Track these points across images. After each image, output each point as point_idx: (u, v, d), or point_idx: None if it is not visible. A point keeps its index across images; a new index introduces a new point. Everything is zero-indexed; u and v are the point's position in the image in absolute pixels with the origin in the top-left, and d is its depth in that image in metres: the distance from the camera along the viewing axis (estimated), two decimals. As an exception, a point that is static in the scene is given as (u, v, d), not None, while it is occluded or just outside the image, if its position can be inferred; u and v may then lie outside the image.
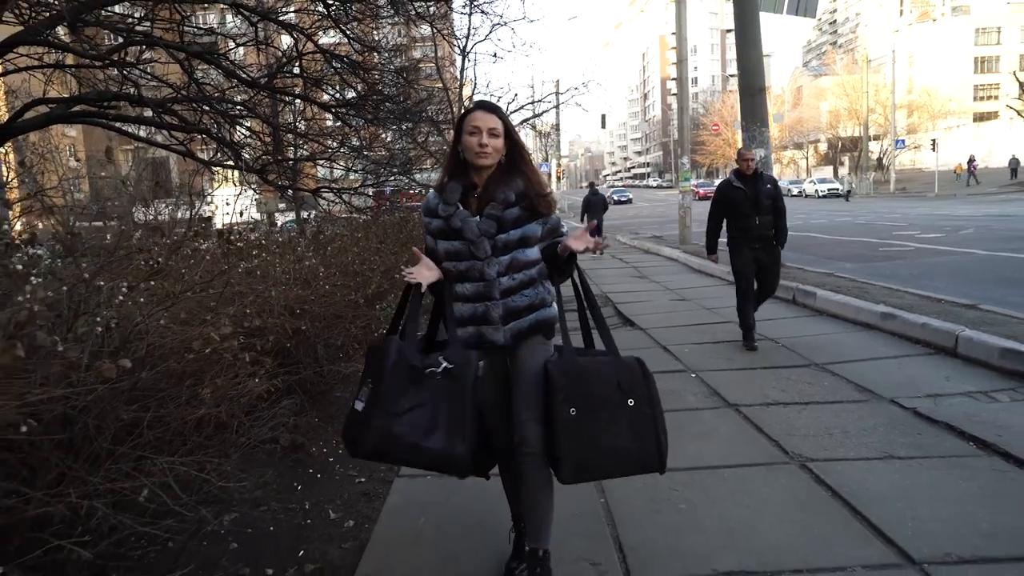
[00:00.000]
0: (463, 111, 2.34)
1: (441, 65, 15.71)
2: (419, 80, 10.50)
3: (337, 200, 9.91)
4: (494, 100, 17.79)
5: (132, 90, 6.44)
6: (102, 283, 2.01)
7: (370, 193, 12.55)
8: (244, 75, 6.99)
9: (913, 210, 26.27)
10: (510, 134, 2.29)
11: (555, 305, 2.37)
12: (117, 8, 7.29)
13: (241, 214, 5.61)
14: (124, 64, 6.71)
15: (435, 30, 9.67)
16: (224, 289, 2.36)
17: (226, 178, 9.75)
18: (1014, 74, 42.32)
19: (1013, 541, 2.61)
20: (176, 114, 7.40)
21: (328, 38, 9.70)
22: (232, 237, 3.32)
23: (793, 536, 2.73)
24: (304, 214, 12.32)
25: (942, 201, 31.92)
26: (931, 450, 3.55)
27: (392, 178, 10.56)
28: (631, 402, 2.12)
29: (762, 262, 6.05)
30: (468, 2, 9.59)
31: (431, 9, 8.23)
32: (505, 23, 10.76)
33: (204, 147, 8.61)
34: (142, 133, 7.93)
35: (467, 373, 2.09)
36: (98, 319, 1.87)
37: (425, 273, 2.22)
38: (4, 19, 6.11)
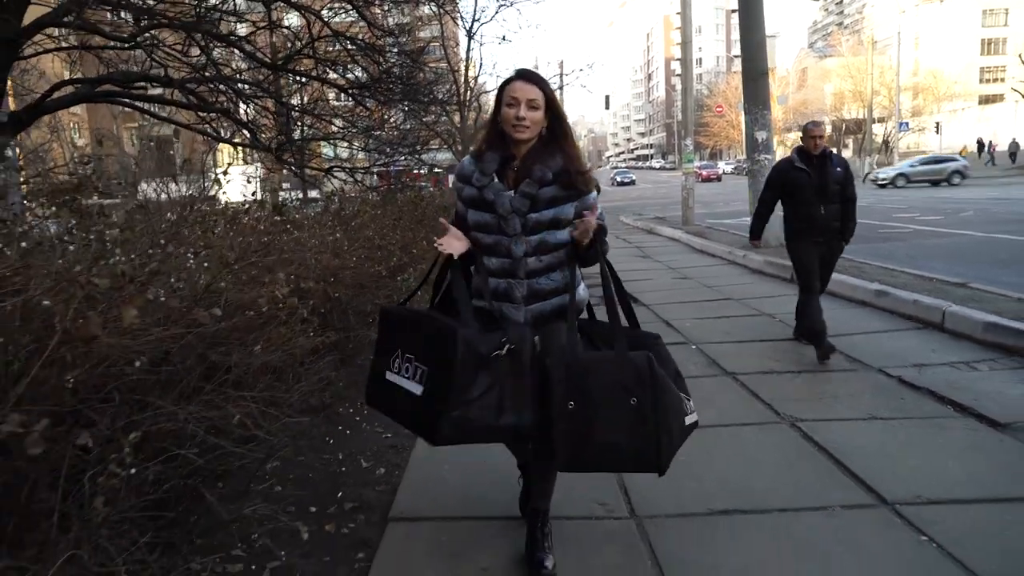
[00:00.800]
0: (502, 83, 2.23)
1: (447, 45, 15.89)
2: (427, 62, 10.71)
3: (349, 179, 10.18)
4: (498, 81, 17.99)
5: (157, 71, 6.70)
6: (171, 249, 2.31)
7: (375, 172, 12.81)
8: (263, 57, 7.23)
9: (915, 193, 26.46)
10: (551, 106, 2.20)
11: (583, 290, 2.34)
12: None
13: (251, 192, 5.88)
14: (149, 45, 6.96)
15: (442, 11, 9.86)
16: (279, 256, 2.65)
17: (236, 157, 10.01)
18: (1020, 56, 42.21)
19: (979, 486, 2.92)
20: (195, 94, 7.67)
21: (338, 19, 9.89)
22: (280, 211, 3.62)
23: (781, 482, 3.04)
24: (312, 193, 12.57)
25: (951, 187, 32.07)
26: (912, 412, 3.86)
27: (403, 158, 10.82)
28: (633, 401, 2.06)
29: (823, 258, 5.17)
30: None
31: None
32: (512, 3, 10.93)
33: (220, 126, 8.87)
34: (163, 112, 8.18)
35: (527, 351, 2.08)
36: (172, 279, 2.16)
37: (455, 244, 2.20)
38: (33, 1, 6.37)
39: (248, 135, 8.56)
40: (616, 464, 2.22)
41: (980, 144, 40.42)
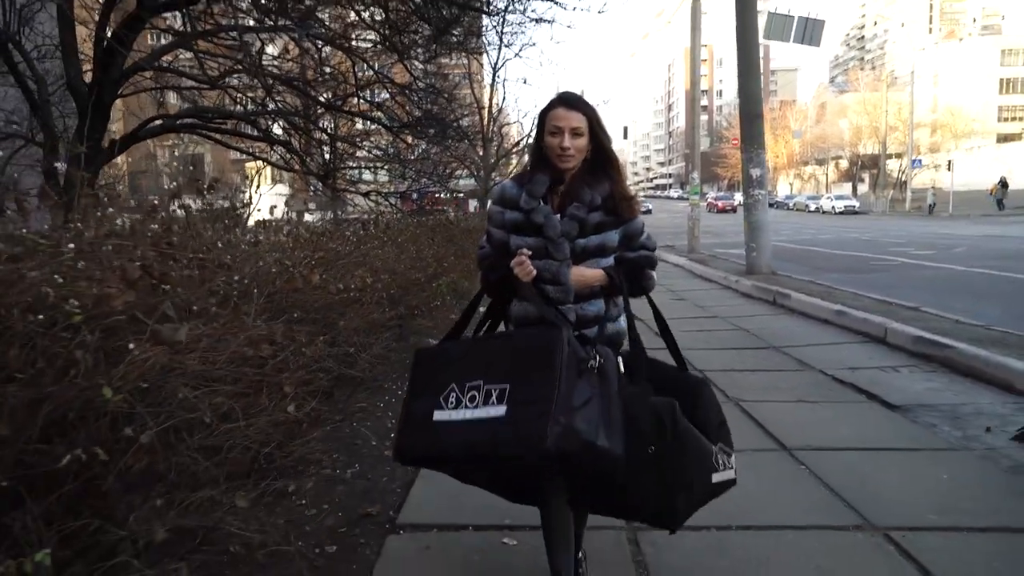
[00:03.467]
0: (543, 108, 2.17)
1: (473, 80, 17.23)
2: (457, 100, 12.02)
3: (383, 202, 11.44)
4: (523, 116, 19.28)
5: (233, 108, 8.00)
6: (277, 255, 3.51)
7: (400, 194, 14.11)
8: (322, 99, 8.52)
9: (919, 228, 27.39)
10: (595, 129, 2.14)
11: (622, 320, 2.24)
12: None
13: (272, 210, 7.07)
14: (224, 86, 8.28)
15: (470, 56, 11.14)
16: (363, 257, 3.82)
17: (264, 178, 11.29)
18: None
19: (858, 441, 4.01)
20: (256, 126, 8.98)
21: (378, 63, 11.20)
22: (372, 226, 4.83)
23: (715, 436, 4.14)
24: (337, 212, 13.87)
25: (954, 221, 32.93)
26: (831, 398, 4.96)
27: (432, 184, 12.10)
28: (651, 450, 1.89)
29: None
30: (499, 36, 11.03)
31: (469, 43, 9.72)
32: (535, 44, 12.24)
33: (276, 152, 10.19)
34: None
35: (612, 370, 1.92)
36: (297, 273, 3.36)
37: (529, 264, 2.07)
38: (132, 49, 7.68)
39: (299, 162, 9.85)
40: (631, 513, 2.14)
41: (1003, 183, 41.15)
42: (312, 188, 15.00)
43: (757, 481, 3.34)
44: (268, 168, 11.05)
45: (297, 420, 2.25)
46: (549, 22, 7.19)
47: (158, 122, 8.30)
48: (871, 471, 3.58)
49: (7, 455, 1.11)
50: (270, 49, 9.47)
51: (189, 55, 9.17)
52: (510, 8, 6.52)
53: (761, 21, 14.69)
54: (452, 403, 1.90)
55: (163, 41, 8.35)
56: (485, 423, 1.81)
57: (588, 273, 2.15)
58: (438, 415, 1.91)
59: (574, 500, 2.11)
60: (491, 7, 6.73)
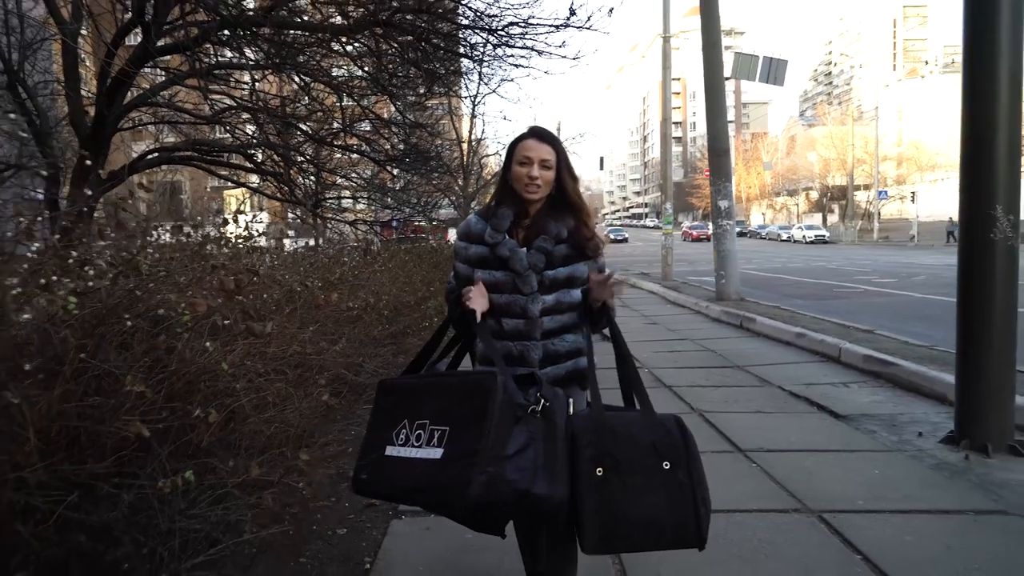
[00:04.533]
0: (514, 140, 2.20)
1: (454, 114, 17.83)
2: (439, 134, 12.57)
3: (367, 230, 11.89)
4: (501, 148, 19.89)
5: (227, 141, 8.44)
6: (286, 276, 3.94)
7: (383, 223, 14.62)
8: (312, 133, 8.99)
9: (884, 258, 28.40)
10: (562, 165, 2.15)
11: (591, 355, 2.18)
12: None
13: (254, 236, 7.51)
14: (219, 122, 8.73)
15: (451, 94, 11.72)
16: (364, 281, 4.26)
17: (243, 205, 11.73)
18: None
19: (804, 443, 4.50)
20: (249, 157, 9.41)
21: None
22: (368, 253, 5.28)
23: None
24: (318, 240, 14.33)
25: (919, 250, 34.12)
26: (786, 409, 5.46)
27: (415, 214, 12.61)
28: (666, 465, 1.87)
29: None
30: (478, 74, 11.56)
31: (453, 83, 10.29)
32: (512, 79, 12.81)
33: (262, 183, 10.62)
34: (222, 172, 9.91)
35: (560, 411, 1.89)
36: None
37: (480, 300, 2.08)
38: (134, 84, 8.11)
39: (289, 192, 10.28)
40: (653, 542, 1.90)
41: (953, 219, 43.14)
42: (294, 216, 15.46)
43: (713, 476, 3.78)
44: (249, 196, 11.50)
45: (329, 406, 2.66)
46: (528, 67, 7.70)
47: (155, 154, 8.70)
48: (813, 468, 4.07)
49: (152, 411, 1.52)
50: (261, 85, 9.94)
51: (184, 90, 9.65)
52: (489, 56, 7.01)
53: (730, 59, 15.57)
54: (402, 439, 1.89)
55: (161, 78, 8.78)
56: (423, 464, 1.81)
57: (614, 279, 2.13)
58: (389, 450, 1.90)
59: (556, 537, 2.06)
60: (474, 54, 7.24)
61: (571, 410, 1.94)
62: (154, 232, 3.14)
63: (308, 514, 3.03)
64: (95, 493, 1.44)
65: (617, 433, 1.89)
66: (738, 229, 62.56)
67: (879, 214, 51.37)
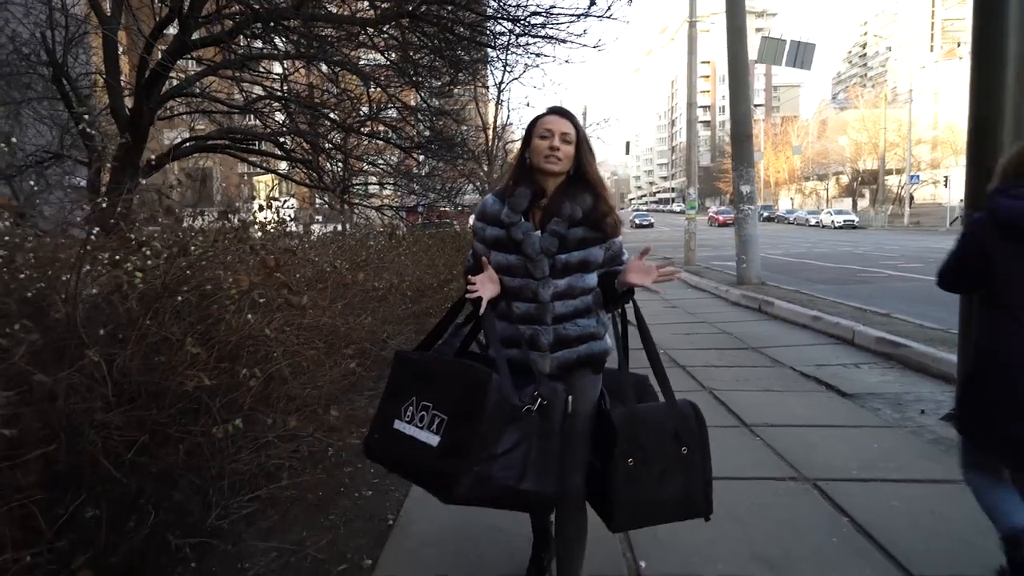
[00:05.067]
0: (533, 118, 2.20)
1: (479, 100, 18.01)
2: (464, 120, 12.80)
3: (393, 215, 12.19)
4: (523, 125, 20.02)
5: (260, 129, 8.76)
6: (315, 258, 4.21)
7: (409, 209, 14.91)
8: (337, 120, 9.27)
9: (913, 243, 28.04)
10: (581, 143, 2.16)
11: (608, 338, 2.24)
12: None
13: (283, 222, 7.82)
14: (252, 111, 9.05)
15: (476, 83, 11.92)
16: (389, 263, 4.52)
17: (271, 192, 12.10)
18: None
19: (809, 419, 4.69)
20: (281, 147, 9.74)
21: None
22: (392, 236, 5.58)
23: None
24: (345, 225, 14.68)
25: (951, 235, 33.56)
26: (795, 388, 5.64)
27: (440, 199, 12.89)
28: (684, 450, 2.04)
29: None
30: (503, 63, 11.74)
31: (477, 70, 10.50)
32: (538, 65, 12.93)
33: (292, 169, 10.95)
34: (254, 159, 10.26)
35: (558, 408, 1.96)
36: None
37: (489, 286, 2.09)
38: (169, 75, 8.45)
39: (318, 178, 10.60)
40: (667, 517, 2.10)
41: None
42: (322, 202, 15.81)
43: (717, 448, 4.01)
44: (278, 182, 11.85)
45: (356, 374, 2.93)
46: (550, 56, 7.90)
47: (191, 142, 9.05)
48: (814, 441, 4.27)
49: (204, 370, 1.79)
50: (293, 76, 10.23)
51: (216, 80, 9.99)
52: (512, 45, 7.21)
53: (761, 42, 15.53)
54: (408, 416, 1.96)
55: (195, 69, 9.12)
56: (422, 449, 1.89)
57: (668, 270, 2.17)
58: (397, 424, 1.98)
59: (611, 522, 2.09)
60: (498, 43, 7.44)
61: (570, 408, 2.02)
62: (200, 217, 3.43)
63: (337, 467, 3.32)
64: (160, 438, 1.71)
65: (647, 425, 2.04)
66: (766, 214, 62.16)
67: (911, 199, 50.55)
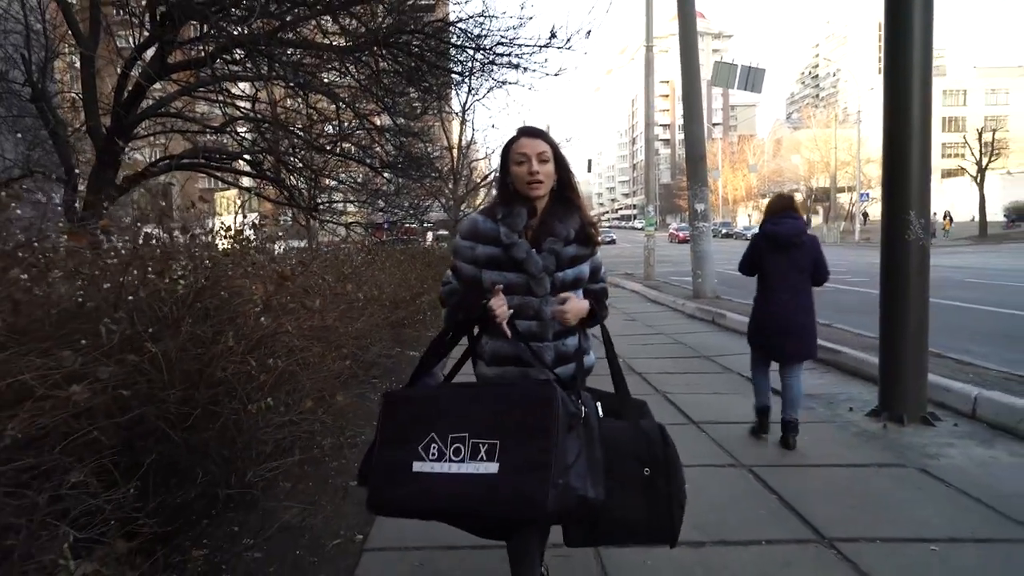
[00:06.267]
0: (507, 142, 2.20)
1: (445, 119, 18.47)
2: (430, 140, 13.24)
3: (361, 232, 12.54)
4: (490, 152, 20.52)
5: (232, 148, 9.08)
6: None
7: (377, 225, 15.30)
8: (308, 139, 9.63)
9: (863, 259, 29.20)
10: (558, 158, 2.17)
11: (592, 357, 2.28)
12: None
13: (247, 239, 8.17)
14: (226, 131, 9.36)
15: (441, 106, 12.39)
16: (369, 277, 4.92)
17: (234, 208, 12.40)
18: (978, 132, 45.73)
19: (749, 416, 5.16)
20: (251, 163, 10.05)
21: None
22: (370, 252, 5.95)
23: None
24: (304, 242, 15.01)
25: (896, 251, 35.04)
26: (740, 391, 6.14)
27: (406, 217, 13.31)
28: (647, 472, 1.98)
29: None
30: (467, 86, 12.22)
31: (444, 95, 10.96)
32: (503, 83, 13.37)
33: (263, 187, 11.25)
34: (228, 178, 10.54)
35: (594, 415, 1.97)
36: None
37: (504, 310, 2.05)
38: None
39: (288, 196, 10.91)
40: (628, 538, 2.06)
41: (947, 216, 45.41)
42: (286, 218, 16.07)
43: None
44: (248, 198, 12.18)
45: (351, 372, 3.30)
46: (513, 82, 8.44)
47: (165, 161, 9.32)
48: (752, 436, 4.77)
49: (234, 360, 2.16)
50: (261, 93, 10.56)
51: (186, 99, 10.27)
52: (478, 72, 7.70)
53: (717, 65, 16.31)
54: (434, 455, 1.84)
55: (170, 89, 9.40)
56: (477, 479, 1.77)
57: (582, 304, 2.16)
58: (418, 466, 1.84)
59: (568, 536, 2.06)
60: (464, 74, 7.92)
61: (600, 414, 2.01)
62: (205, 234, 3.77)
63: (335, 452, 3.68)
64: (201, 415, 2.07)
65: (606, 442, 1.96)
66: (724, 231, 63.58)
67: (864, 216, 52.40)
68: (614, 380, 2.16)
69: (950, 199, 56.85)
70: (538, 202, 2.17)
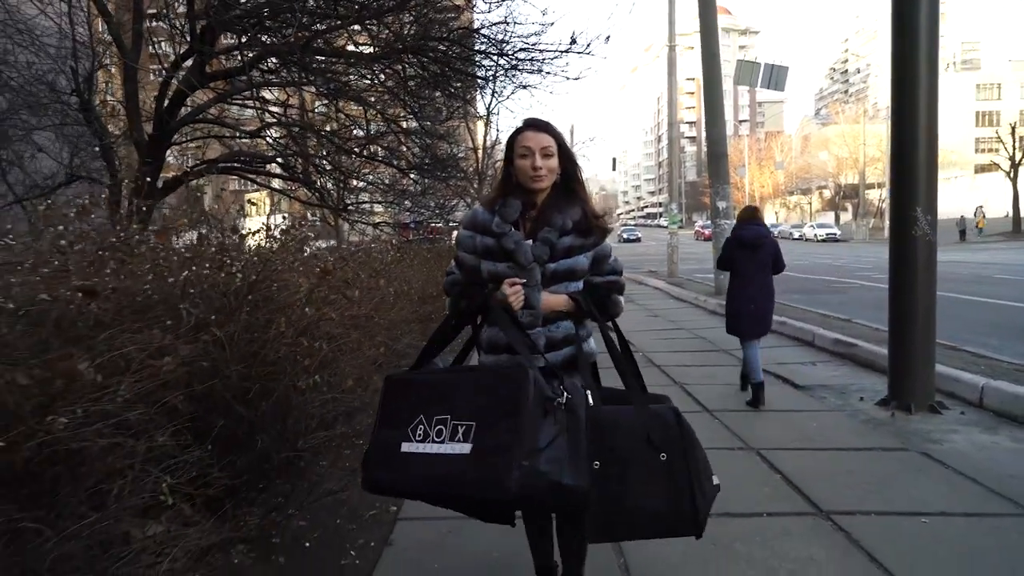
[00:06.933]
0: (511, 134, 2.23)
1: (469, 121, 18.81)
2: (456, 142, 13.57)
3: (389, 231, 12.91)
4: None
5: (267, 152, 9.49)
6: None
7: (404, 225, 15.67)
8: (338, 144, 10.00)
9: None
10: (563, 151, 2.19)
11: (592, 341, 2.28)
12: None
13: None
14: (261, 136, 9.77)
15: (467, 108, 12.70)
16: (399, 273, 5.22)
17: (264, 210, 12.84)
18: (1011, 127, 44.99)
19: (748, 401, 5.40)
20: (284, 166, 10.45)
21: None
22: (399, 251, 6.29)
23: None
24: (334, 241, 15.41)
25: (926, 248, 34.66)
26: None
27: (432, 216, 13.67)
28: (663, 456, 1.92)
29: None
30: (491, 90, 12.54)
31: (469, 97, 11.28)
32: (525, 86, 13.62)
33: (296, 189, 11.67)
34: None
35: (580, 403, 1.92)
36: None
37: (521, 297, 2.11)
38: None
39: (319, 197, 11.32)
40: (651, 530, 2.03)
41: (980, 212, 44.76)
42: (314, 218, 16.51)
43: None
44: (268, 200, 12.62)
45: (385, 358, 3.60)
46: (535, 86, 8.75)
47: (203, 165, 9.75)
48: (763, 422, 5.01)
49: (286, 343, 2.48)
50: (295, 99, 10.97)
51: (222, 105, 10.71)
52: (501, 77, 8.01)
53: (747, 62, 16.43)
54: (420, 435, 1.88)
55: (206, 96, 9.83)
56: (450, 459, 1.81)
57: (553, 299, 2.16)
58: (406, 446, 1.90)
59: (585, 532, 2.06)
60: (488, 75, 8.22)
61: (590, 401, 1.95)
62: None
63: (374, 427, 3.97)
64: (259, 390, 2.38)
65: (615, 427, 1.93)
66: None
67: (888, 213, 51.82)
68: (623, 381, 2.12)
69: (984, 194, 55.91)
70: (540, 194, 2.20)
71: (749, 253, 5.76)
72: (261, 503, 2.71)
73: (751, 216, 6.06)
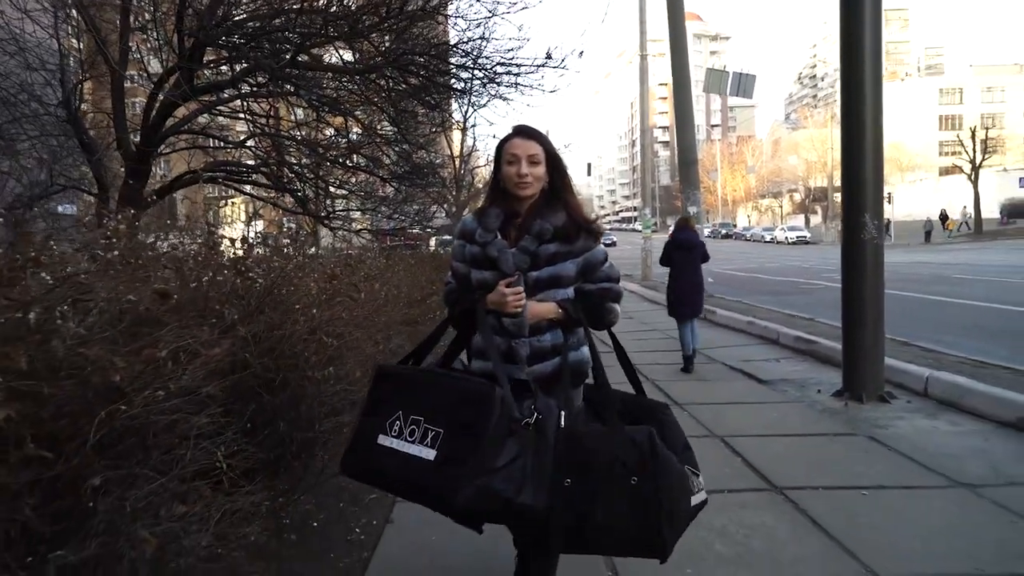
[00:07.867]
0: (500, 141, 2.24)
1: (447, 130, 19.18)
2: (435, 151, 13.92)
3: (370, 238, 13.23)
4: (491, 160, 21.18)
5: (251, 162, 9.76)
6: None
7: (385, 232, 15.98)
8: (322, 154, 10.31)
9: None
10: (552, 159, 2.20)
11: (585, 350, 2.26)
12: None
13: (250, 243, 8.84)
14: (246, 145, 10.04)
15: (445, 120, 13.06)
16: (387, 278, 5.56)
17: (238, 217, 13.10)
18: (971, 130, 46.37)
19: (728, 399, 5.81)
20: (268, 176, 10.73)
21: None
22: (388, 257, 6.62)
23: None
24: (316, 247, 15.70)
25: (892, 250, 35.53)
26: (722, 378, 6.81)
27: (411, 223, 14.01)
28: (634, 480, 1.92)
29: None
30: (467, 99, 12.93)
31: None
32: (502, 96, 14.02)
33: (279, 197, 11.94)
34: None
35: (551, 425, 1.94)
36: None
37: (522, 300, 2.13)
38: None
39: (301, 205, 11.59)
40: (615, 548, 2.08)
41: (943, 215, 45.91)
42: (290, 226, 16.77)
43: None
44: (243, 207, 12.93)
45: (383, 356, 3.93)
46: (513, 99, 9.14)
47: (188, 175, 9.99)
48: (727, 412, 5.41)
49: (301, 339, 2.81)
50: (280, 111, 11.24)
51: (207, 115, 10.96)
52: (478, 89, 8.40)
53: (717, 70, 16.98)
54: (395, 431, 1.94)
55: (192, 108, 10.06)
56: (414, 461, 1.87)
57: (541, 307, 2.14)
58: (382, 439, 1.96)
59: (549, 544, 1.99)
60: (466, 88, 8.60)
61: (562, 423, 1.96)
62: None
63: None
64: (279, 380, 2.71)
65: (587, 446, 1.95)
66: (723, 231, 63.88)
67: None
68: (632, 384, 2.40)
69: (948, 197, 57.43)
70: (527, 201, 2.20)
71: (684, 253, 7.40)
72: (280, 479, 3.04)
73: (685, 224, 7.88)
